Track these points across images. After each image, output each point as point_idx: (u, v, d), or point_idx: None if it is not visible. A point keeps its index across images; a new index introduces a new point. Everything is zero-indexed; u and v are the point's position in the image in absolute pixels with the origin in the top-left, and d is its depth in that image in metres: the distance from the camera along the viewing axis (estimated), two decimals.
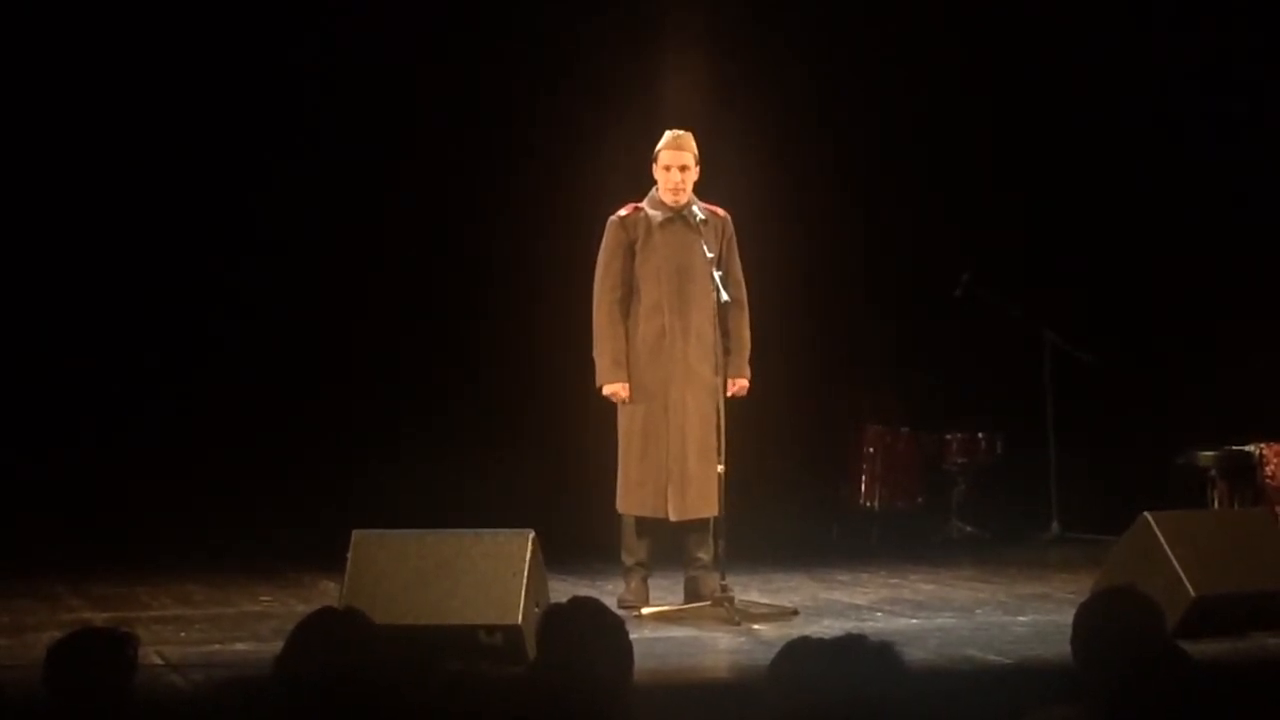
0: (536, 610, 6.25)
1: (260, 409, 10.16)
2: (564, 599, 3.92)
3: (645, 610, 7.56)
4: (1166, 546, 6.85)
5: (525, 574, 6.48)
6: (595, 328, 7.84)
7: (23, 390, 9.92)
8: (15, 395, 9.90)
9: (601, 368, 7.82)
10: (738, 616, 7.29)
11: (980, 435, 10.85)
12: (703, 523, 7.75)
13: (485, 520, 7.04)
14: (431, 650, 6.19)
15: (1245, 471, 9.52)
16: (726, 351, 7.74)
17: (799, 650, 3.19)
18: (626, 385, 7.76)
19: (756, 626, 7.25)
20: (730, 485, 7.56)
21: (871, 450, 10.85)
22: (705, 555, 7.79)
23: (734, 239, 7.91)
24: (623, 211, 7.88)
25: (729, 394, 7.74)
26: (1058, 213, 11.17)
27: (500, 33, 10.53)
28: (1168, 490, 9.61)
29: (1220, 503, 9.54)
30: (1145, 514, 7.03)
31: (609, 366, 7.79)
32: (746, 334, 7.91)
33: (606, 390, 7.81)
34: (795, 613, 7.63)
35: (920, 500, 10.94)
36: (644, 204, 7.86)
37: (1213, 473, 9.65)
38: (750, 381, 7.90)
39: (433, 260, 10.53)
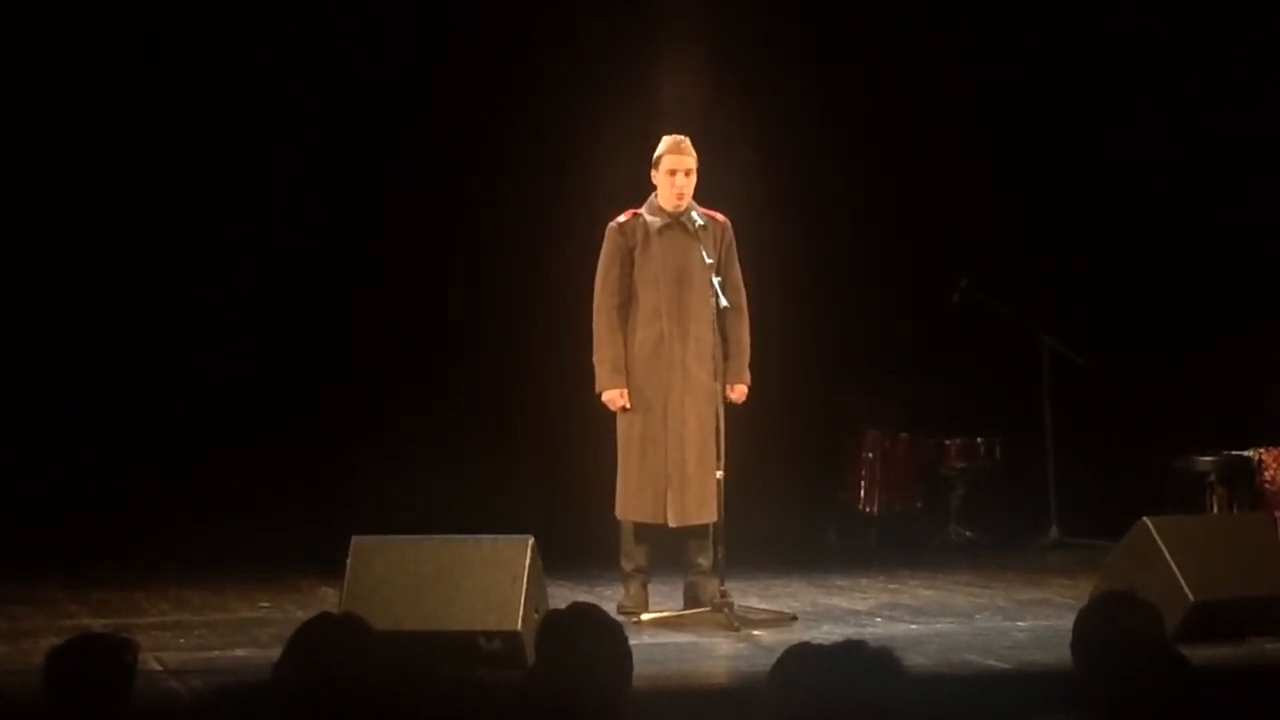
0: (536, 616, 6.26)
1: (259, 414, 10.15)
2: (563, 605, 3.92)
3: (645, 616, 7.57)
4: (1165, 551, 6.86)
5: (524, 580, 6.49)
6: (595, 334, 7.84)
7: (21, 393, 9.91)
8: (13, 398, 9.89)
9: (601, 374, 7.82)
10: (737, 622, 7.29)
11: (979, 440, 10.84)
12: (702, 528, 7.74)
13: (484, 526, 7.05)
14: (430, 656, 6.19)
15: (1244, 476, 9.53)
16: (726, 357, 7.73)
17: (798, 656, 3.19)
18: (625, 391, 7.76)
19: (756, 632, 7.25)
20: (729, 490, 7.56)
21: (870, 455, 10.84)
22: (704, 561, 7.78)
23: (733, 244, 7.90)
24: (622, 218, 7.88)
25: (728, 400, 7.73)
26: (1055, 217, 11.16)
27: (499, 34, 10.52)
28: (1166, 495, 9.61)
29: (1219, 508, 9.54)
30: (1144, 519, 7.04)
31: (608, 373, 7.80)
32: (746, 339, 7.90)
33: (606, 396, 7.81)
34: (794, 618, 7.63)
35: (919, 505, 10.92)
36: (643, 210, 7.85)
37: (1211, 477, 9.65)
38: (749, 387, 7.90)
39: (432, 265, 10.51)
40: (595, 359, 7.83)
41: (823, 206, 10.89)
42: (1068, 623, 4.11)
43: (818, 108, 10.93)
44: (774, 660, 3.24)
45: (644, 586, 7.86)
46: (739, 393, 7.84)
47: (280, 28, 10.19)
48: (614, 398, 7.78)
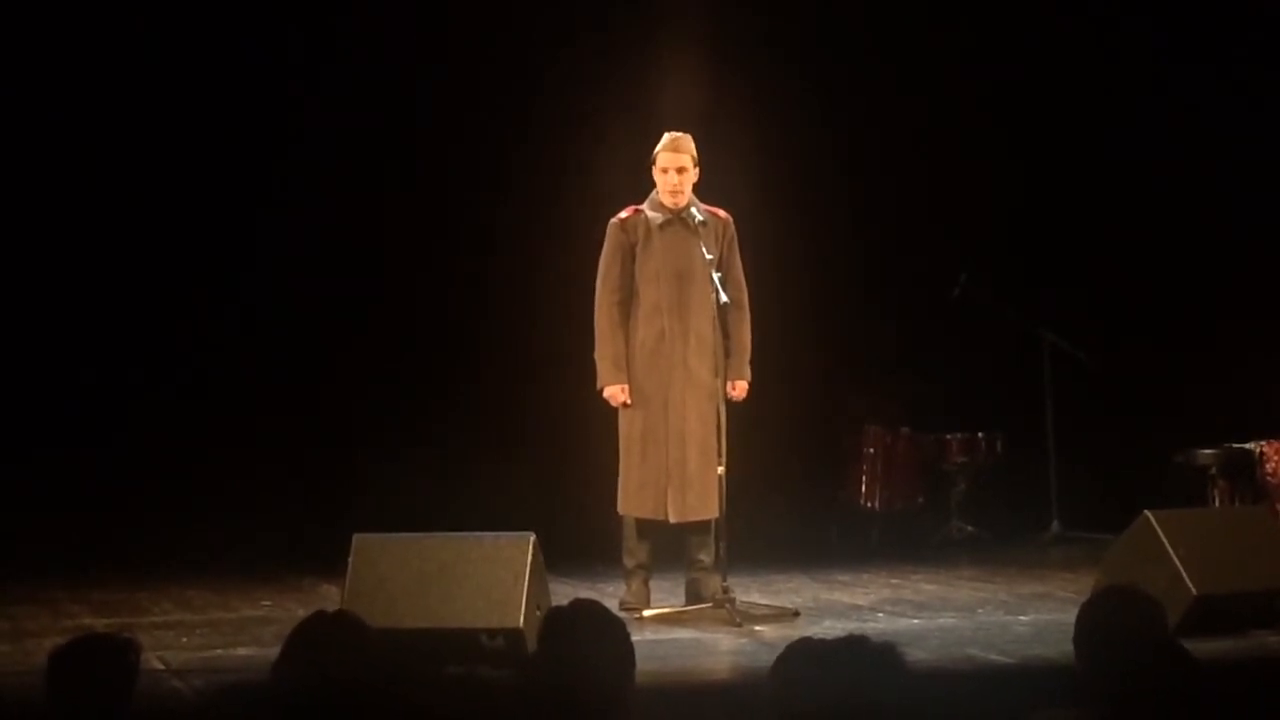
0: (538, 613, 6.26)
1: (261, 413, 10.15)
2: (565, 602, 3.92)
3: (647, 612, 7.57)
4: (1167, 545, 6.86)
5: (526, 577, 6.49)
6: (596, 331, 7.85)
7: (21, 393, 9.91)
8: (15, 399, 9.89)
9: (602, 370, 7.83)
10: (739, 618, 7.30)
11: (980, 435, 10.84)
12: (703, 524, 7.75)
13: (486, 523, 7.06)
14: (433, 653, 6.19)
15: (1245, 469, 9.51)
16: (726, 354, 7.74)
17: (801, 652, 3.20)
18: (626, 388, 7.77)
19: (758, 628, 7.26)
20: (731, 487, 7.56)
21: (871, 451, 10.84)
22: (706, 557, 7.79)
23: (735, 241, 7.91)
24: (623, 214, 7.89)
25: (729, 396, 7.73)
26: (1055, 212, 11.16)
27: (500, 34, 10.52)
28: (1167, 489, 9.60)
29: (1221, 501, 9.53)
30: (1146, 512, 7.04)
31: (609, 369, 7.80)
32: (747, 336, 7.90)
33: (607, 392, 7.82)
34: (796, 614, 7.63)
35: (921, 500, 10.92)
36: (644, 207, 7.86)
37: (1213, 471, 9.63)
38: (750, 384, 7.90)
39: (433, 263, 10.51)
40: (596, 355, 7.84)
41: (823, 206, 10.88)
42: (1070, 617, 4.12)
43: (818, 108, 10.93)
44: (776, 656, 3.24)
45: (646, 583, 7.86)
46: (739, 389, 7.85)
47: (280, 28, 10.19)
48: (615, 394, 7.79)
